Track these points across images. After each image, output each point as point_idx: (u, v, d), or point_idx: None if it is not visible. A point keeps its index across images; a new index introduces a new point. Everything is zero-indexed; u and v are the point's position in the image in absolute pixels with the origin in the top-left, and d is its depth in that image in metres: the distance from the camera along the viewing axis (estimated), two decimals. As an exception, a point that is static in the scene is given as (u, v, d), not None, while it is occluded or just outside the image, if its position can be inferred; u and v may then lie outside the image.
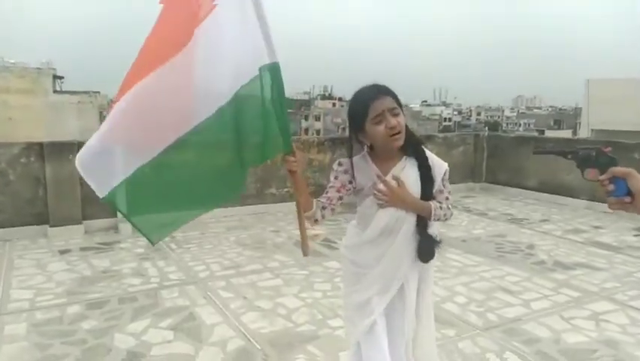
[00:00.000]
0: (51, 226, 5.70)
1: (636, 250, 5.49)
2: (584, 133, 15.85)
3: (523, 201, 8.18)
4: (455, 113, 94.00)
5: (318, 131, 60.24)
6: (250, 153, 1.98)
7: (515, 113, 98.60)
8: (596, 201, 7.55)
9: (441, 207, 1.99)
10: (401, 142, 1.91)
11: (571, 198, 7.84)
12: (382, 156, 1.99)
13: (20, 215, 5.70)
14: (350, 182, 2.02)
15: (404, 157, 1.98)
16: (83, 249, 5.40)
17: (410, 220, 1.96)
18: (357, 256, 2.07)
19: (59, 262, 4.96)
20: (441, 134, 8.96)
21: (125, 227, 5.94)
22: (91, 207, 6.02)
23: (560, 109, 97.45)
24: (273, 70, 1.81)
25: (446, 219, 2.03)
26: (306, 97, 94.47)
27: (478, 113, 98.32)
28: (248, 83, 1.83)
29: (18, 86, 21.88)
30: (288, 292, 4.18)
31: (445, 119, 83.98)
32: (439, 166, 2.01)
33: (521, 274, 4.70)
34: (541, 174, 8.41)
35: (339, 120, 63.68)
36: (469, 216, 7.16)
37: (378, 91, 1.90)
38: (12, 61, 27.16)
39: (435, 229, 2.06)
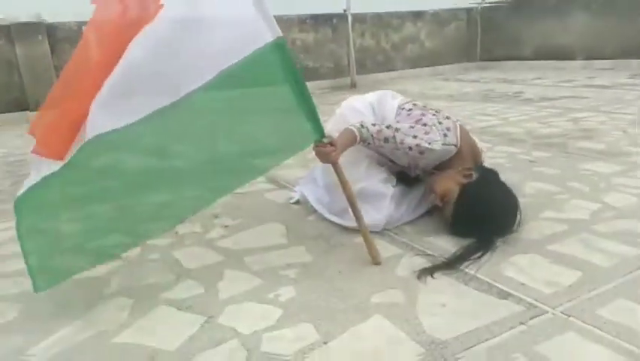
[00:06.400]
0: (31, 111, 5.64)
1: (628, 85, 5.29)
2: None
3: (519, 70, 7.90)
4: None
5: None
6: (268, 152, 1.61)
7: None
8: (593, 59, 7.29)
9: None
10: None
11: (568, 61, 7.55)
12: None
13: (-2, 100, 5.63)
14: None
15: None
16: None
17: None
18: None
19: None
20: (430, 10, 8.51)
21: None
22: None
23: None
24: (279, 47, 1.41)
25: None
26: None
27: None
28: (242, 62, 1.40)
29: None
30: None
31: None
32: None
33: (503, 106, 4.57)
34: (537, 40, 8.06)
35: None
36: (460, 83, 6.96)
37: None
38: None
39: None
